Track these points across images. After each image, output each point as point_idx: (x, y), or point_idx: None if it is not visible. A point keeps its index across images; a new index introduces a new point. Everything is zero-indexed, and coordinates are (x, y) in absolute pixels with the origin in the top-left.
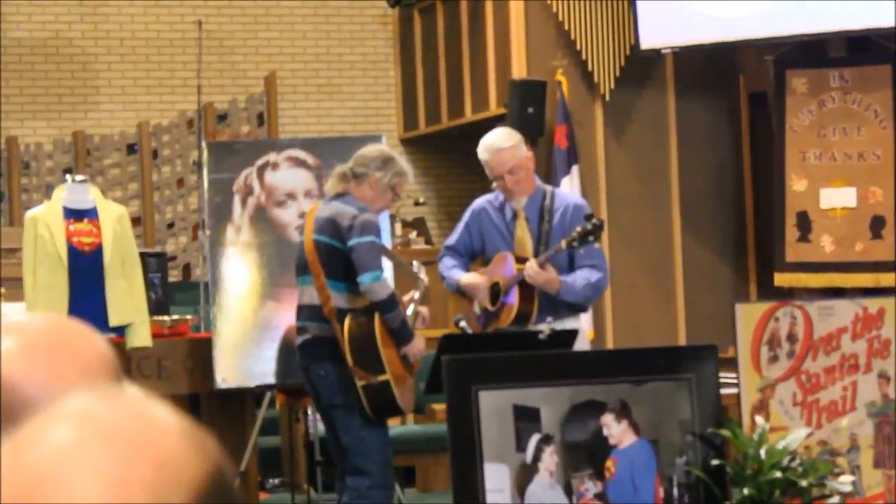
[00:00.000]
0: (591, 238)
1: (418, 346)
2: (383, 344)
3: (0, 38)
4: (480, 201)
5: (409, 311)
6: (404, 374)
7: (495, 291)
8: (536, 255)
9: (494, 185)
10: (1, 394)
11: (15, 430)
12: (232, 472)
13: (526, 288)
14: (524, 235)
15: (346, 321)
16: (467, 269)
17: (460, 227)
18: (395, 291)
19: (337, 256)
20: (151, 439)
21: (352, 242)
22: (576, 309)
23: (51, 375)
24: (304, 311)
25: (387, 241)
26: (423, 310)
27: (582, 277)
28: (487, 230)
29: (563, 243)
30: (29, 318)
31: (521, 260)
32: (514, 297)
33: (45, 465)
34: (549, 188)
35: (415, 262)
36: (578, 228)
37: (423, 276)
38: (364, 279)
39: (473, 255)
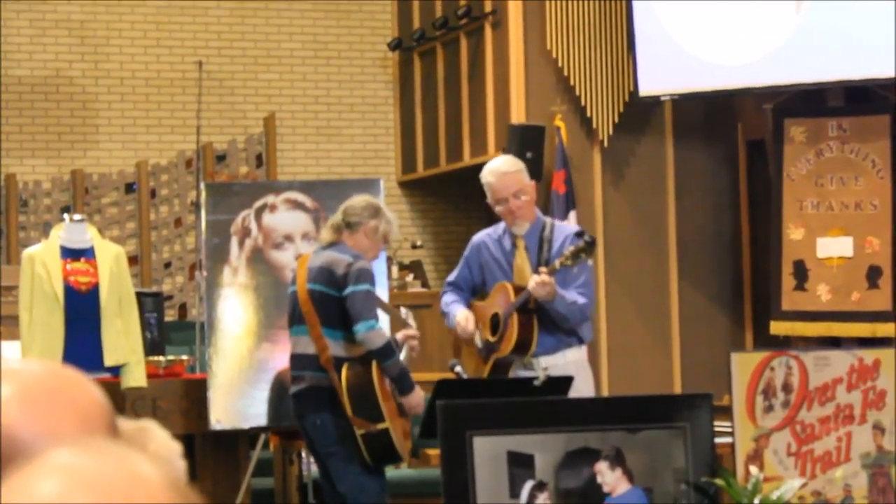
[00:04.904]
0: (583, 255)
1: (417, 399)
2: (381, 393)
3: (0, 75)
4: (480, 235)
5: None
6: (401, 421)
7: (495, 322)
8: None
9: (498, 209)
10: None
11: (5, 478)
12: None
13: (524, 317)
14: (523, 264)
15: (344, 370)
16: (468, 304)
17: (461, 262)
18: (391, 339)
19: (332, 304)
20: (136, 494)
21: (347, 291)
22: (572, 334)
23: (46, 424)
24: (298, 361)
25: (382, 284)
26: (415, 343)
27: (571, 296)
28: (487, 263)
29: (557, 263)
30: (25, 365)
31: (520, 290)
32: (512, 325)
33: None
34: (548, 220)
35: (402, 309)
36: (571, 247)
37: (411, 321)
38: (359, 328)
39: (474, 290)
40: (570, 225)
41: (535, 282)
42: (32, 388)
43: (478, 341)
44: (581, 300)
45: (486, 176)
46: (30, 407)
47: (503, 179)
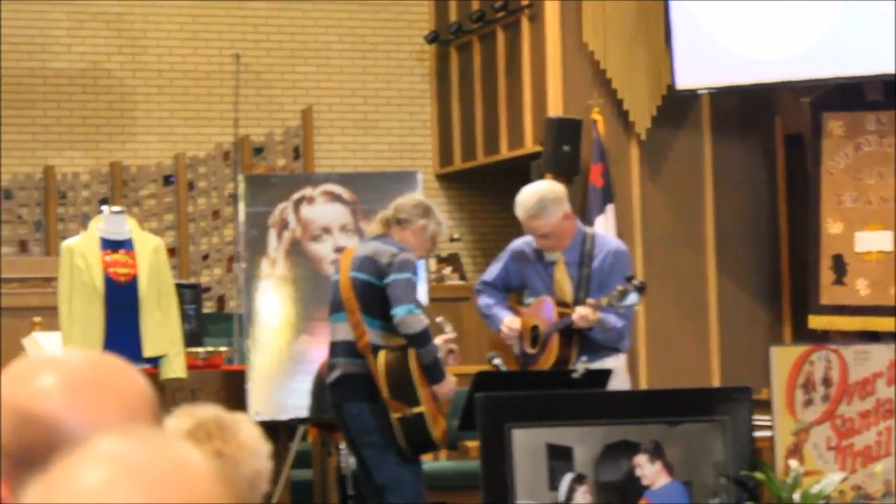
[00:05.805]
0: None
1: (449, 387)
2: (418, 378)
3: (37, 68)
4: (518, 243)
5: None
6: (436, 412)
7: (535, 335)
8: (576, 299)
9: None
10: (40, 428)
11: (51, 464)
12: None
13: (566, 336)
14: (563, 280)
15: (382, 354)
16: (506, 303)
17: (498, 265)
18: (428, 327)
19: (374, 293)
20: (181, 482)
21: (389, 279)
22: (613, 350)
23: (91, 412)
24: (336, 348)
25: (421, 277)
26: (454, 346)
27: (610, 321)
28: (526, 272)
29: (604, 301)
30: (70, 354)
31: (562, 305)
32: (553, 342)
33: None
34: (589, 231)
35: (439, 318)
36: (619, 287)
37: (448, 329)
38: (398, 311)
39: (510, 290)
40: (611, 237)
41: (580, 314)
42: (76, 377)
43: (516, 350)
44: (619, 324)
45: (516, 209)
46: (74, 395)
47: (529, 224)
